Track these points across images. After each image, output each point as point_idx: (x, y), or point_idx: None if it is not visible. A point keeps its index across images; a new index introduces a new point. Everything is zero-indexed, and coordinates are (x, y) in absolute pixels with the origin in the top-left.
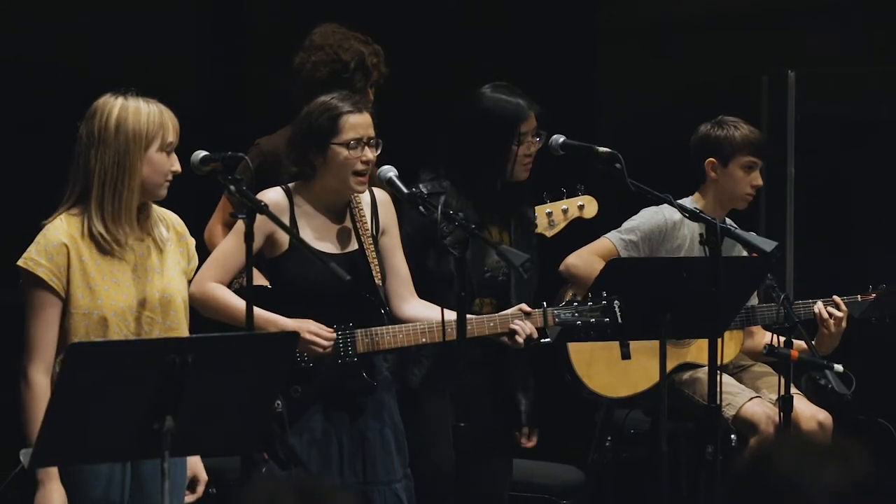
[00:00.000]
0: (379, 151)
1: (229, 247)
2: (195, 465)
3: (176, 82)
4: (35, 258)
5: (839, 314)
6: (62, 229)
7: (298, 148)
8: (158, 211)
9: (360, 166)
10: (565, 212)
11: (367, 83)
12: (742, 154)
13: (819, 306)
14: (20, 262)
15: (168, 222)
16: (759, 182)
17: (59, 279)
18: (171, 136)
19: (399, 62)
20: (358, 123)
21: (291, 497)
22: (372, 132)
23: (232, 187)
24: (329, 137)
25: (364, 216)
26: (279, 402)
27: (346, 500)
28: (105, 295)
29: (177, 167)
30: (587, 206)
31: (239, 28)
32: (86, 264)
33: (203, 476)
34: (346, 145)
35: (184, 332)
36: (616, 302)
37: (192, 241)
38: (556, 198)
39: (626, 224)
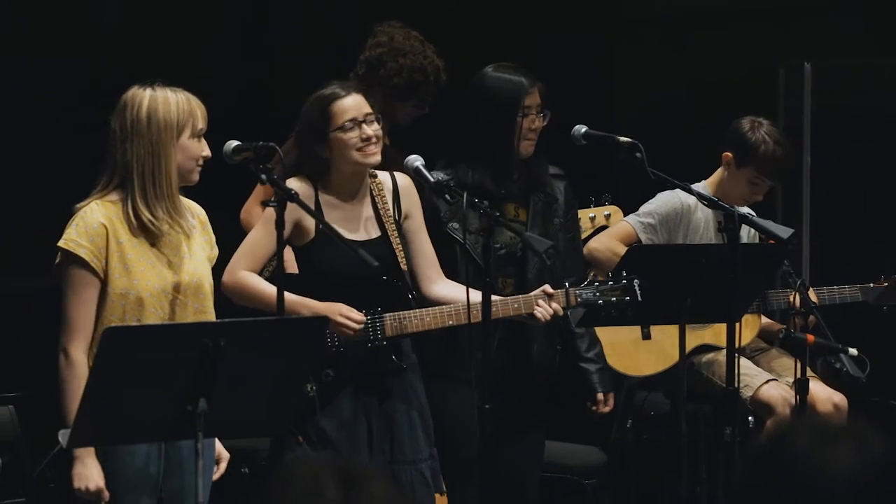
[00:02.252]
0: (379, 126)
1: (259, 236)
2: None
3: (205, 74)
4: (76, 239)
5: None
6: (100, 212)
7: (304, 147)
8: (183, 200)
9: (359, 143)
10: (592, 219)
11: (432, 94)
12: (755, 168)
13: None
14: (61, 244)
15: (192, 211)
16: (759, 198)
17: (99, 260)
18: (201, 123)
19: None
20: (348, 106)
21: (331, 478)
22: (366, 110)
23: (263, 176)
24: (326, 127)
25: (386, 202)
26: (311, 385)
27: (384, 481)
28: (141, 276)
29: (207, 152)
30: (613, 215)
31: (268, 20)
32: (123, 246)
33: (224, 454)
34: (342, 129)
35: (211, 316)
36: (636, 281)
37: (211, 231)
38: (584, 206)
39: (644, 208)
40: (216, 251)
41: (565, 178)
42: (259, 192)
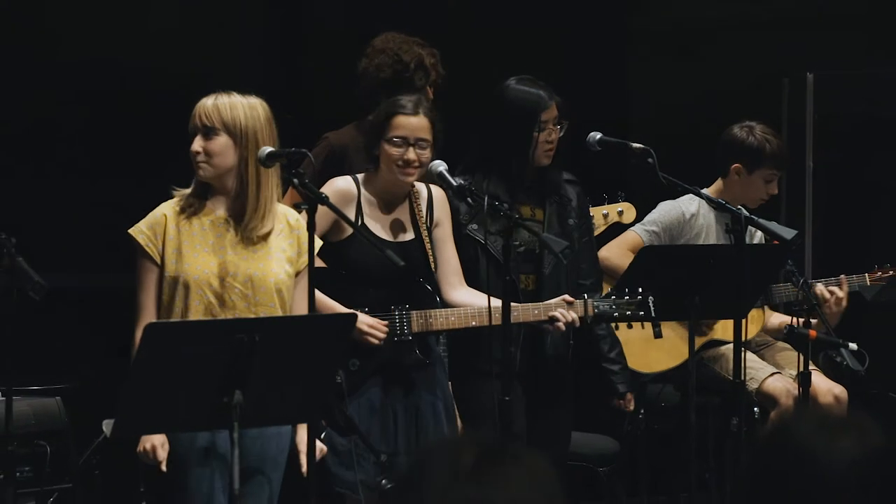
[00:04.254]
0: (428, 154)
1: None
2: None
3: (244, 83)
4: (140, 227)
5: (840, 294)
6: (169, 205)
7: (366, 139)
8: (279, 208)
9: (400, 162)
10: (606, 216)
11: (426, 82)
12: (767, 167)
13: (820, 287)
14: (130, 230)
15: (283, 217)
16: (775, 191)
17: (154, 246)
18: (192, 122)
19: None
20: (407, 124)
21: (471, 453)
22: (422, 134)
23: (296, 181)
24: (382, 134)
25: (421, 209)
26: (339, 373)
27: (527, 465)
28: (192, 261)
29: (193, 148)
30: (626, 211)
31: (300, 32)
32: (181, 234)
33: (317, 448)
34: (390, 142)
35: (275, 312)
36: (650, 298)
37: (306, 238)
38: (598, 203)
39: (648, 217)
40: (306, 258)
41: (579, 185)
42: (289, 198)
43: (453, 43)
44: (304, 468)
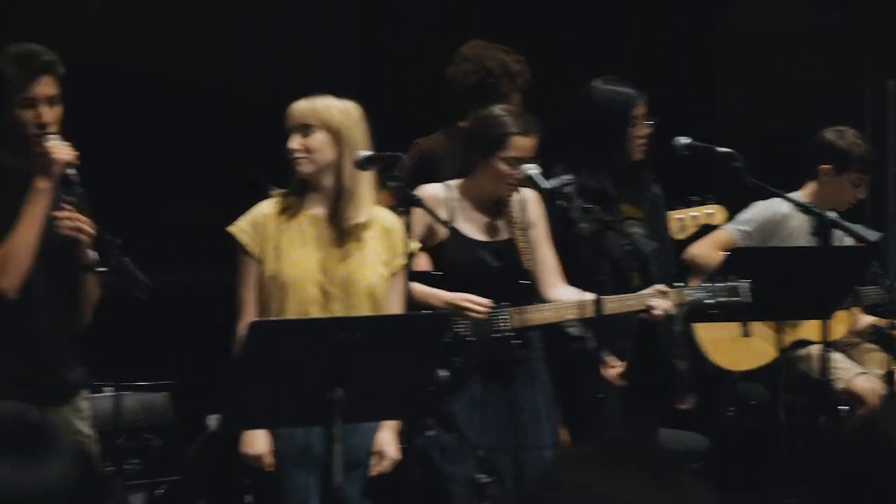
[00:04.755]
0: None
1: None
2: (384, 442)
3: (341, 90)
4: (241, 226)
5: None
6: (270, 204)
7: (467, 144)
8: (376, 210)
9: (511, 180)
10: (695, 218)
11: (512, 87)
12: (855, 171)
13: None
14: (230, 228)
15: (379, 219)
16: (862, 195)
17: (257, 245)
18: (288, 122)
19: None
20: (523, 145)
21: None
22: (531, 153)
23: (392, 183)
24: (496, 149)
25: (514, 211)
26: (444, 371)
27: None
28: (291, 263)
29: (292, 145)
30: (716, 213)
31: (395, 39)
32: (281, 234)
33: (389, 453)
34: (508, 162)
35: (367, 313)
36: (745, 283)
37: (402, 240)
38: (688, 206)
39: (741, 216)
40: (401, 260)
41: (657, 182)
42: (382, 201)
43: (537, 48)
44: (373, 471)
